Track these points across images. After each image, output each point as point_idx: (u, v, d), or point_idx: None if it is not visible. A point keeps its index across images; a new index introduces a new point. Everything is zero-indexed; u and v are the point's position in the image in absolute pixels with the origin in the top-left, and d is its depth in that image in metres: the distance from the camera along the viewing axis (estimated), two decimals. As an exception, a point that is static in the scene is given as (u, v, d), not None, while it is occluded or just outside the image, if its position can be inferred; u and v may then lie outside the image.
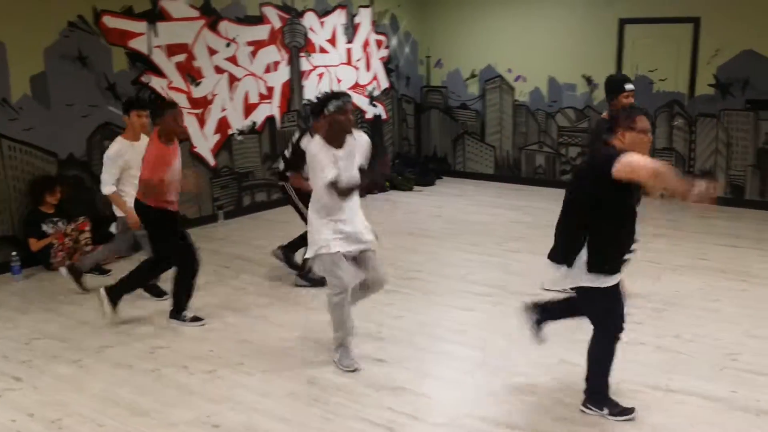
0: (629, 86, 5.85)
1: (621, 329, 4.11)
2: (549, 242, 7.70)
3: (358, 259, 4.83)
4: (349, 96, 4.73)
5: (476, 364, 4.96)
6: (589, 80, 10.21)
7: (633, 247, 4.11)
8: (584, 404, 4.23)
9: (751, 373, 4.66)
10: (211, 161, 8.83)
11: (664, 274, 6.71)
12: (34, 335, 5.53)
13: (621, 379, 4.62)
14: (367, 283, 4.97)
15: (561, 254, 4.12)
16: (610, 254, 3.97)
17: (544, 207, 9.43)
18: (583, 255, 3.96)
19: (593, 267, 3.94)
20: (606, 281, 3.96)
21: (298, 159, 5.92)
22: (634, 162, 3.71)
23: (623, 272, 4.05)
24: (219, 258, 7.35)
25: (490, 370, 4.88)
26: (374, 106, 11.16)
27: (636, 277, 6.57)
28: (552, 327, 5.46)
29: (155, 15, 8.00)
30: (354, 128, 4.74)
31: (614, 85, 5.99)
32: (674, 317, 5.67)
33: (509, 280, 6.61)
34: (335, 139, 4.65)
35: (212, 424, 4.21)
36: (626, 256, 4.04)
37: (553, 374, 4.74)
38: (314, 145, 4.67)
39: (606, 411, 4.14)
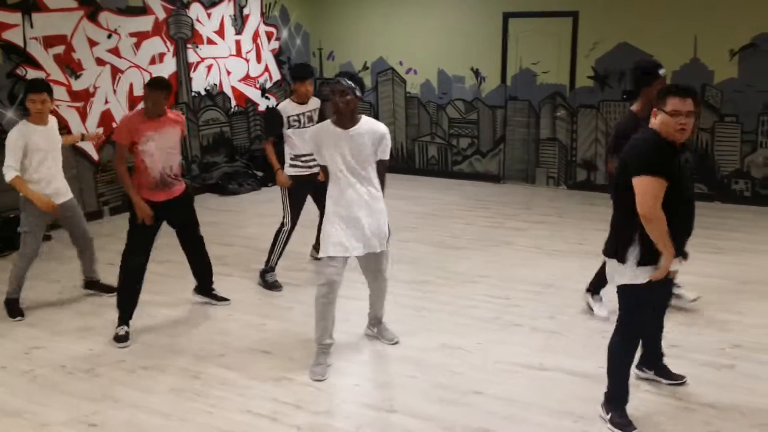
0: (662, 71, 5.05)
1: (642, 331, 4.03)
2: (439, 231, 8.02)
3: (361, 258, 4.77)
4: (341, 78, 4.51)
5: (359, 351, 5.03)
6: (476, 73, 10.46)
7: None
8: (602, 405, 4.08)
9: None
10: (95, 156, 8.58)
11: (542, 258, 6.99)
12: None
13: (496, 359, 4.81)
14: (369, 283, 5.01)
15: (612, 249, 3.87)
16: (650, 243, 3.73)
17: (436, 197, 9.63)
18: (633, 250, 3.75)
19: (643, 261, 3.73)
20: (639, 277, 3.77)
21: (272, 122, 6.32)
22: (640, 192, 3.58)
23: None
24: (104, 255, 7.11)
25: (373, 356, 4.97)
26: (267, 98, 11.09)
27: (517, 261, 6.87)
28: (437, 315, 5.65)
29: (30, 5, 7.68)
30: (346, 109, 4.47)
31: (645, 72, 5.07)
32: (550, 299, 5.90)
33: (398, 269, 6.69)
34: (337, 120, 4.56)
35: (89, 424, 4.12)
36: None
37: (435, 358, 4.86)
38: (315, 126, 4.74)
39: (609, 416, 3.97)
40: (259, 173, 10.48)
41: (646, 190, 3.56)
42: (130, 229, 5.29)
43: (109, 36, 8.54)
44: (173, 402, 4.36)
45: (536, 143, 10.29)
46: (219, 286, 6.00)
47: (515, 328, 5.35)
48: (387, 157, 4.74)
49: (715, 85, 8.95)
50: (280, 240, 6.33)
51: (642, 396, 4.31)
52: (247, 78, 10.63)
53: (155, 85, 5.16)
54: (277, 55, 11.18)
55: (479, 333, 5.26)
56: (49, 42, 7.91)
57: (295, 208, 6.29)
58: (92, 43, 8.35)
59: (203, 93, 9.95)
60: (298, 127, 6.23)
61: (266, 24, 10.87)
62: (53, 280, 6.27)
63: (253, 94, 10.82)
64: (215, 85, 10.13)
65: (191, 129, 9.84)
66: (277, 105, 6.37)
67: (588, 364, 4.68)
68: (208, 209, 9.14)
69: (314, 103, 6.32)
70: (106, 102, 8.61)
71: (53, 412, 4.24)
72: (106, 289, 6.00)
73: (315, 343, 4.75)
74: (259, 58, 10.81)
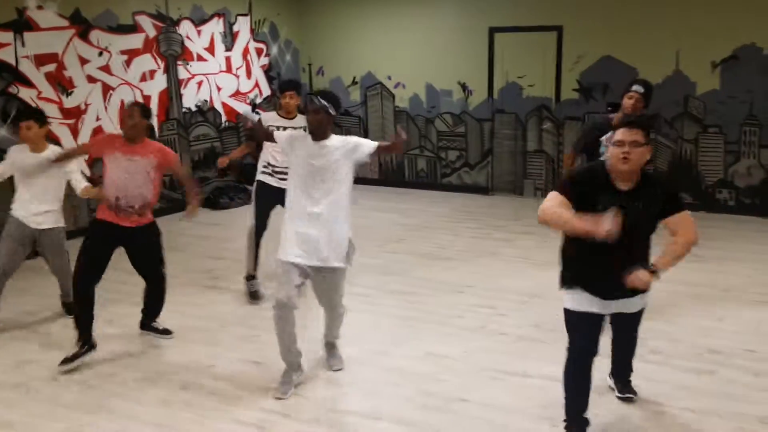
0: (635, 87, 5.44)
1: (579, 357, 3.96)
2: (427, 242, 8.13)
3: (313, 277, 4.60)
4: (315, 97, 4.53)
5: (348, 361, 5.11)
6: (464, 87, 10.60)
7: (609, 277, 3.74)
8: None
9: (599, 357, 5.01)
10: (87, 171, 8.66)
11: (528, 269, 7.09)
12: None
13: (481, 367, 4.91)
14: (324, 309, 4.87)
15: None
16: (570, 268, 3.93)
17: (425, 209, 9.75)
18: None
19: (562, 282, 3.96)
20: (566, 300, 3.95)
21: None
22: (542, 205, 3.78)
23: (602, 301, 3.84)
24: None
25: (361, 366, 5.04)
26: (257, 113, 11.19)
27: (503, 272, 6.98)
28: (424, 324, 5.75)
29: (21, 24, 7.80)
30: (318, 127, 4.51)
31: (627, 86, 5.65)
32: (535, 308, 6.00)
33: (387, 281, 6.82)
34: (312, 133, 4.58)
35: (82, 434, 4.20)
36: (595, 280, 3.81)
37: (421, 367, 4.96)
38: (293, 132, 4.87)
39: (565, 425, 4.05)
40: (250, 187, 10.57)
41: (549, 196, 3.81)
42: (81, 248, 5.11)
43: (100, 54, 8.66)
44: (164, 412, 4.44)
45: (523, 155, 10.42)
46: (209, 298, 6.07)
47: (500, 336, 5.45)
48: (372, 146, 4.61)
49: (698, 96, 9.12)
50: (248, 245, 6.39)
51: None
52: (237, 94, 10.75)
53: (132, 104, 5.27)
54: (267, 70, 11.31)
55: (465, 342, 5.36)
56: (40, 60, 8.02)
57: (259, 212, 6.36)
58: (83, 61, 8.47)
59: (194, 109, 10.06)
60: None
61: (256, 41, 11.00)
62: (44, 294, 6.33)
63: (244, 109, 10.93)
64: (206, 101, 10.25)
65: (181, 144, 9.93)
66: (263, 113, 6.46)
67: (570, 371, 4.79)
68: (200, 223, 9.21)
69: (301, 120, 6.24)
70: (98, 119, 8.71)
71: (48, 423, 4.32)
72: None
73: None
74: (249, 74, 10.93)
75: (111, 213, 5.10)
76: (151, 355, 5.27)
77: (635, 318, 4.10)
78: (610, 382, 4.55)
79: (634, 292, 3.81)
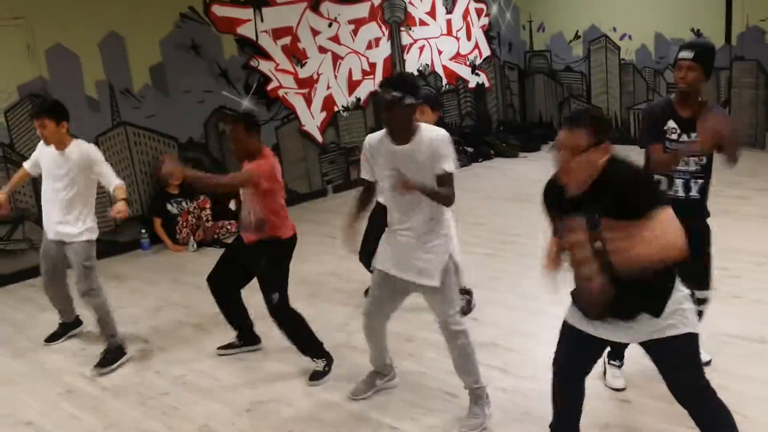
0: (683, 53, 3.87)
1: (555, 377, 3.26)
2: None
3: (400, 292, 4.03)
4: (385, 89, 3.73)
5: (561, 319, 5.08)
6: (698, 34, 9.89)
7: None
8: None
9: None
10: (319, 138, 9.26)
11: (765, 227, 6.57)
12: (161, 303, 6.11)
13: (713, 332, 4.64)
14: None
15: None
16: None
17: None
18: None
19: None
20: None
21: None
22: None
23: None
24: (327, 229, 7.73)
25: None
26: (477, 75, 11.25)
27: (737, 231, 6.51)
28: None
29: (260, 1, 8.43)
30: (395, 125, 3.70)
31: None
32: (774, 272, 5.58)
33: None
34: (390, 135, 3.78)
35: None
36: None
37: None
38: (370, 135, 3.99)
39: None
40: (470, 149, 10.70)
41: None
42: None
43: (330, 24, 9.14)
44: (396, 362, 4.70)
45: (766, 106, 9.56)
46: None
47: (735, 300, 5.14)
48: (447, 168, 3.71)
49: None
50: None
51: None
52: (457, 56, 10.86)
53: (235, 120, 4.58)
54: (487, 31, 11.29)
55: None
56: (277, 34, 8.64)
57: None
58: (315, 33, 8.99)
59: (416, 73, 10.30)
60: None
61: (476, 1, 11.01)
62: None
63: (464, 71, 11.03)
64: (427, 65, 10.46)
65: (405, 108, 10.23)
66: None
67: (814, 339, 4.43)
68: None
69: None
70: (328, 87, 9.24)
71: (279, 365, 4.77)
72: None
73: None
74: (469, 36, 10.99)
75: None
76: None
77: (675, 349, 2.90)
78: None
79: (626, 312, 2.89)
